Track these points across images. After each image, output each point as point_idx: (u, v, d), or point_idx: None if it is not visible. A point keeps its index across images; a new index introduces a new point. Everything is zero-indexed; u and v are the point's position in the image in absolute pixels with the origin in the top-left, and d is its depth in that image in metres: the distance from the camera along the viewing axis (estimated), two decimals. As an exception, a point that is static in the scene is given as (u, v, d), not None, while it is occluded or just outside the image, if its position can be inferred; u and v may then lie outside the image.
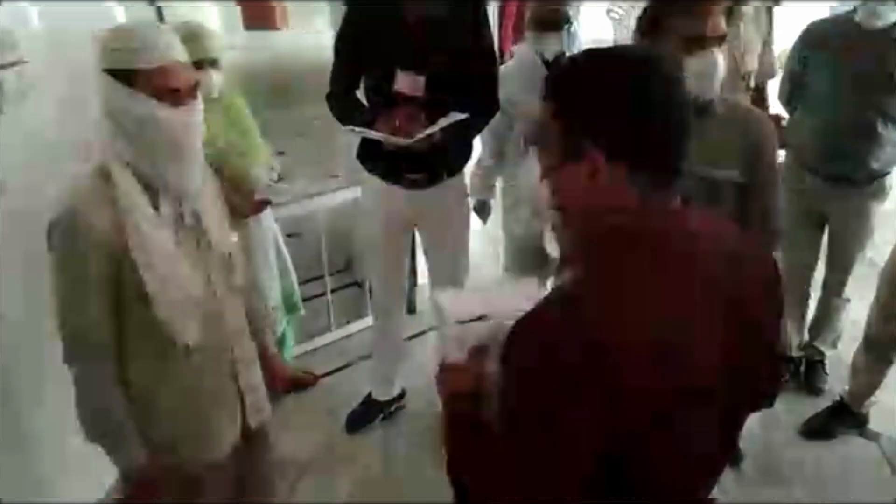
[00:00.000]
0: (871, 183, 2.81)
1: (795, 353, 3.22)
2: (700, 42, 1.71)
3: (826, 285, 3.10)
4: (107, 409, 1.52)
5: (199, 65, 2.34)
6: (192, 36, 2.32)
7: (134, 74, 1.41)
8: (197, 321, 1.56)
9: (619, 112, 0.92)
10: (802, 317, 3.20)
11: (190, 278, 1.54)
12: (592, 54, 1.01)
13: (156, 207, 1.51)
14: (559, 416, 0.86)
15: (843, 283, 3.02)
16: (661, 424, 0.90)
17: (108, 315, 1.48)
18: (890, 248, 2.69)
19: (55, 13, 2.13)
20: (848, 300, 3.06)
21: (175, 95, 1.44)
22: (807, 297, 3.16)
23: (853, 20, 2.69)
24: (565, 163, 0.96)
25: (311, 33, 11.29)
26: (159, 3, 2.96)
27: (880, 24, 2.61)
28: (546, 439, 0.88)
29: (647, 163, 0.94)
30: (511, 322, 0.96)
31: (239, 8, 11.93)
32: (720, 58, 1.74)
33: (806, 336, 3.24)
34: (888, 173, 2.82)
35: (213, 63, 2.41)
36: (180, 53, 1.47)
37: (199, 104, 1.51)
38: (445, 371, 1.16)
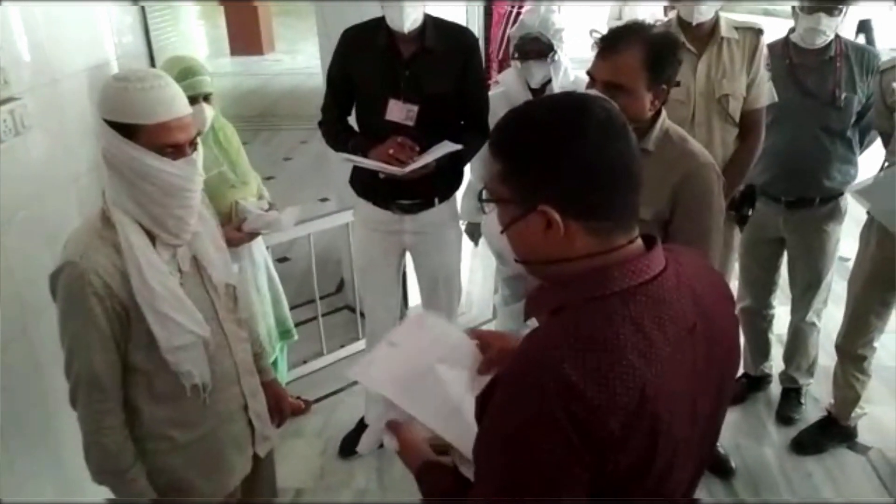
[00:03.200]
0: (827, 203, 2.84)
1: (755, 371, 3.23)
2: None
3: (793, 311, 3.10)
4: (114, 453, 1.49)
5: (193, 100, 2.36)
6: (187, 72, 2.35)
7: (134, 127, 1.38)
8: (206, 362, 1.55)
9: (568, 168, 0.91)
10: (764, 340, 3.19)
11: (197, 320, 1.51)
12: (532, 109, 0.99)
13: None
14: (543, 457, 0.85)
15: (807, 309, 3.02)
16: (642, 471, 0.90)
17: (115, 360, 1.46)
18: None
19: (46, 49, 2.15)
20: (813, 324, 3.04)
21: (175, 149, 1.42)
22: (768, 318, 3.16)
23: (791, 41, 2.76)
24: (520, 218, 0.95)
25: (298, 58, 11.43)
26: (149, 33, 2.98)
27: (818, 42, 2.67)
28: (536, 487, 0.87)
29: (602, 211, 0.94)
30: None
31: (226, 34, 12.03)
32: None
33: (771, 362, 3.25)
34: (842, 193, 2.84)
35: (206, 98, 2.44)
36: (183, 107, 1.44)
37: (199, 154, 1.49)
38: (402, 454, 1.20)
